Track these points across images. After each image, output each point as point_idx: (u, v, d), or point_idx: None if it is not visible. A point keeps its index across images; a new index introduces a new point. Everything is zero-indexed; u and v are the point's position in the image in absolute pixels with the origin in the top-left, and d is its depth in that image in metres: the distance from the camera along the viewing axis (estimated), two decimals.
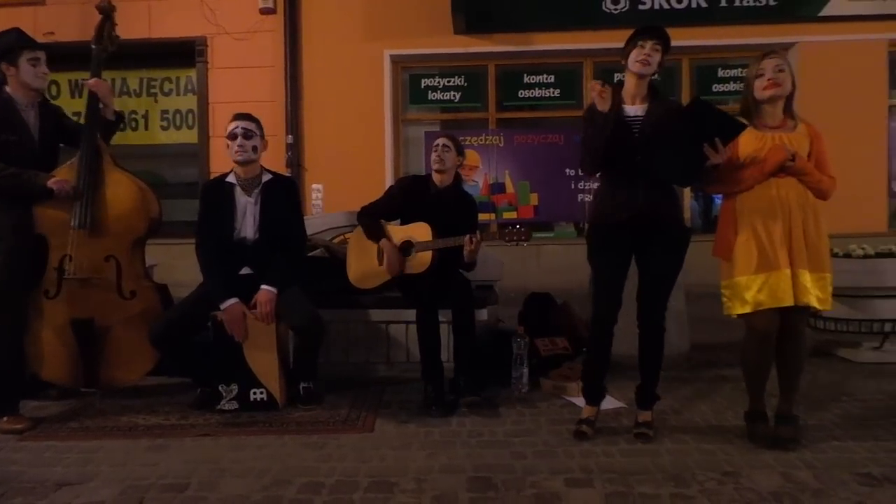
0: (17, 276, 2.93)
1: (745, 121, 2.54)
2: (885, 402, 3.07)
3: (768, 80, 2.52)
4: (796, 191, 2.50)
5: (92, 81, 3.13)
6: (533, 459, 2.46)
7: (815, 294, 2.47)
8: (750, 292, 2.50)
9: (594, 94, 2.53)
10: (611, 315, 2.67)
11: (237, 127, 3.10)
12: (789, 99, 2.59)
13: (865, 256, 3.74)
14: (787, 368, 2.61)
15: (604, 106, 2.52)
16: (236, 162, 3.13)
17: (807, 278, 2.45)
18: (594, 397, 2.77)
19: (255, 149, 3.13)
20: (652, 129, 2.54)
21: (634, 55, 2.57)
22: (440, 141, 3.39)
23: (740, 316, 2.56)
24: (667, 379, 3.42)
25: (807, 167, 2.50)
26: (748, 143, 2.54)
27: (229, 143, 3.11)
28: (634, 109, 2.61)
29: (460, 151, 3.44)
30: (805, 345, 2.63)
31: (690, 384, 3.44)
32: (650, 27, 2.62)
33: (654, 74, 2.62)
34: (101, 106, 3.14)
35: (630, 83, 2.63)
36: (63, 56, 4.04)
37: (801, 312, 2.53)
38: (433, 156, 3.37)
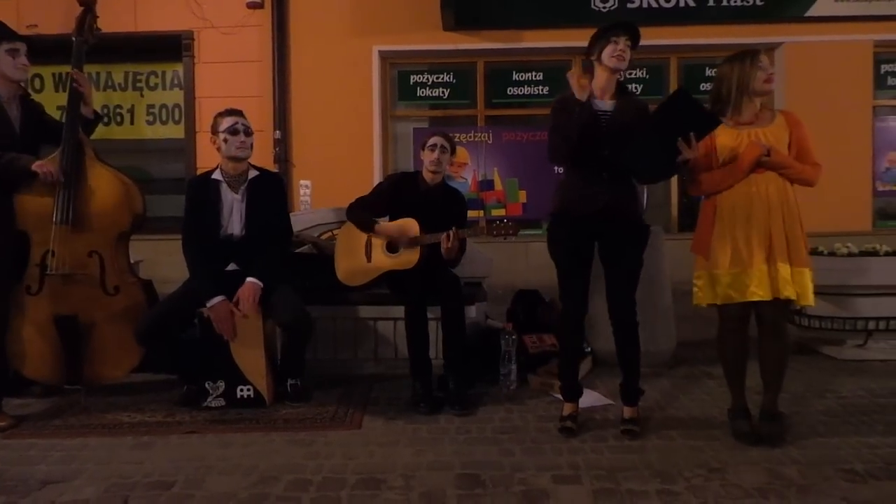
0: None
1: (720, 118, 2.56)
2: (869, 399, 3.11)
3: (770, 73, 2.55)
4: (776, 185, 2.52)
5: (76, 81, 3.08)
6: (521, 456, 2.47)
7: (794, 288, 2.48)
8: (720, 286, 2.55)
9: (573, 81, 2.56)
10: (578, 307, 2.71)
11: (237, 123, 3.07)
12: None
13: (850, 255, 3.77)
14: (770, 365, 2.63)
15: (582, 95, 2.56)
16: (235, 157, 3.09)
17: (787, 271, 2.47)
18: (572, 394, 2.79)
19: (252, 146, 3.13)
20: (619, 125, 2.58)
21: (609, 50, 2.58)
22: (437, 141, 3.33)
23: (710, 306, 2.62)
24: (653, 376, 3.46)
25: (785, 160, 2.52)
26: (725, 142, 2.57)
27: (228, 137, 3.05)
28: (604, 104, 2.65)
29: (453, 150, 3.43)
30: (787, 341, 2.65)
31: (676, 381, 3.46)
32: (622, 23, 2.64)
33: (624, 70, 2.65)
34: (81, 104, 3.10)
35: (601, 78, 2.66)
36: (46, 49, 3.99)
37: (781, 309, 2.55)
38: (431, 156, 3.31)
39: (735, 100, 2.59)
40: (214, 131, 3.11)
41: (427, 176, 3.38)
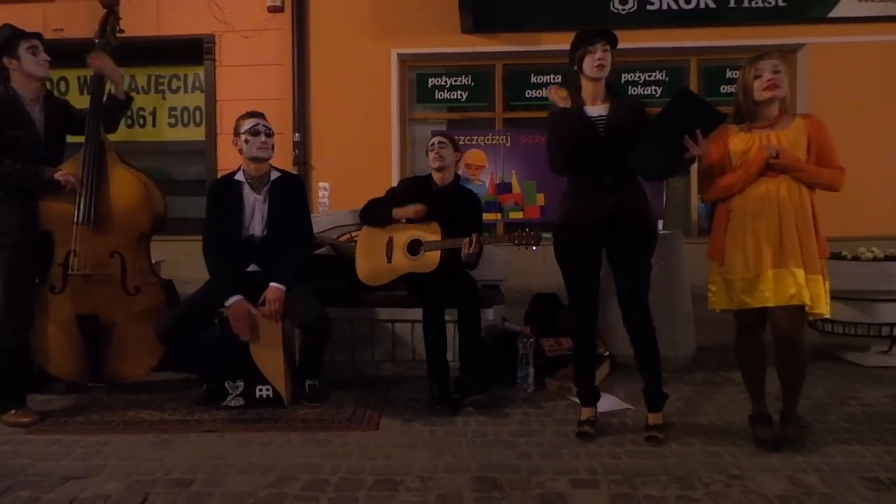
0: (23, 271, 2.94)
1: (731, 115, 2.55)
2: (893, 406, 3.05)
3: (767, 80, 2.50)
4: (789, 189, 2.47)
5: (92, 57, 3.11)
6: (538, 460, 2.46)
7: (808, 293, 2.41)
8: (734, 292, 2.52)
9: (552, 95, 2.58)
10: (589, 312, 2.70)
11: (258, 124, 3.12)
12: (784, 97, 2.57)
13: (874, 259, 3.71)
14: (786, 371, 2.58)
15: (567, 104, 2.58)
16: (256, 158, 3.12)
17: (801, 277, 2.41)
18: (589, 398, 2.78)
19: (273, 147, 3.17)
20: (616, 128, 2.57)
21: (588, 62, 2.60)
22: (435, 139, 3.40)
23: (724, 311, 2.59)
24: (672, 381, 3.42)
25: (796, 163, 2.46)
26: (737, 146, 2.55)
27: (249, 138, 3.09)
28: (597, 110, 2.64)
29: (456, 146, 3.45)
30: (802, 350, 2.55)
31: (696, 386, 3.43)
32: (593, 31, 2.63)
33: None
34: (110, 87, 3.13)
35: (587, 87, 2.67)
36: (72, 52, 4.06)
37: (794, 316, 2.46)
38: (431, 154, 3.38)
39: (745, 106, 2.57)
40: (236, 133, 3.15)
41: (435, 176, 3.40)
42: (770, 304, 2.45)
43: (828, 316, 2.54)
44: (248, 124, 3.11)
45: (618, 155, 2.56)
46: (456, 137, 3.53)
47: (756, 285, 2.47)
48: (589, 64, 2.59)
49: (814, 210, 2.50)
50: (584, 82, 2.67)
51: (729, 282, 2.55)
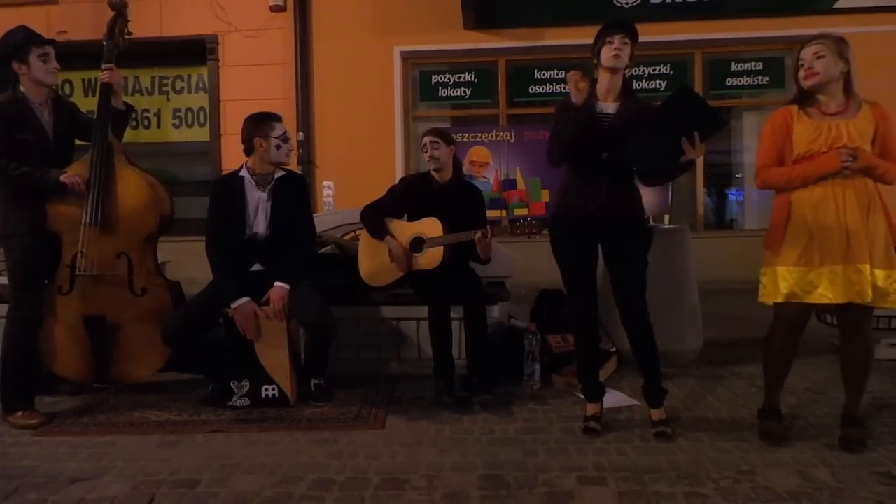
0: (31, 272, 2.95)
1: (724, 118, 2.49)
2: None
3: (806, 69, 2.44)
4: (856, 184, 2.37)
5: (106, 74, 3.12)
6: (545, 457, 2.45)
7: (870, 290, 2.31)
8: (785, 283, 2.43)
9: (571, 84, 2.53)
10: (588, 305, 2.69)
11: (286, 131, 3.18)
12: (848, 81, 2.46)
13: None
14: (852, 368, 2.52)
15: (579, 98, 2.53)
16: (282, 163, 3.18)
17: (867, 272, 2.31)
18: (594, 394, 2.77)
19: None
20: (620, 127, 2.55)
21: (605, 51, 2.57)
22: (426, 139, 3.35)
23: (774, 304, 2.50)
24: (680, 376, 3.41)
25: (870, 162, 2.35)
26: (803, 133, 2.42)
27: (281, 144, 3.13)
28: (607, 106, 2.62)
29: (449, 141, 3.39)
30: (871, 344, 2.51)
31: (704, 381, 3.40)
32: (616, 22, 2.61)
33: (626, 68, 2.61)
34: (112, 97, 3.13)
35: (604, 79, 2.63)
36: (76, 55, 4.07)
37: (864, 310, 2.40)
38: (426, 156, 3.34)
39: (806, 93, 2.48)
40: (265, 135, 3.10)
41: (435, 175, 3.37)
42: (824, 301, 2.36)
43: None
44: (279, 129, 3.14)
45: (617, 155, 2.54)
46: (448, 133, 3.49)
47: (811, 280, 2.38)
48: (606, 53, 2.56)
49: (881, 198, 2.41)
50: (601, 74, 2.63)
51: (779, 273, 2.45)
